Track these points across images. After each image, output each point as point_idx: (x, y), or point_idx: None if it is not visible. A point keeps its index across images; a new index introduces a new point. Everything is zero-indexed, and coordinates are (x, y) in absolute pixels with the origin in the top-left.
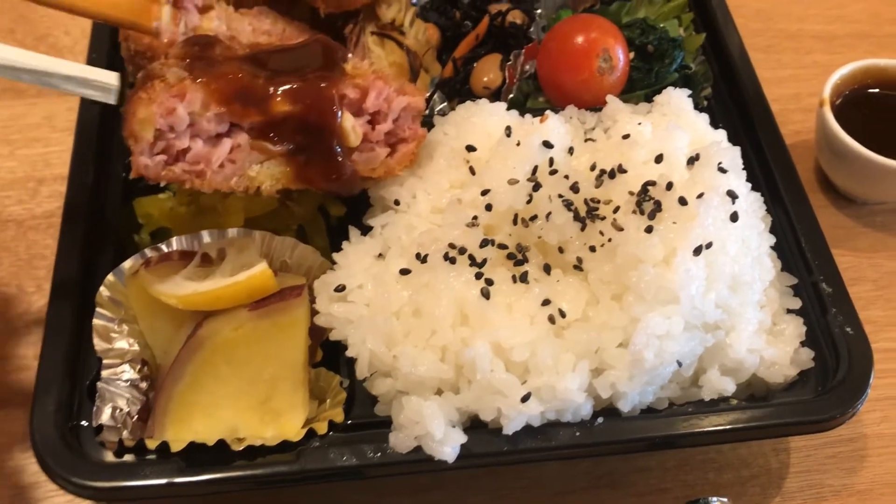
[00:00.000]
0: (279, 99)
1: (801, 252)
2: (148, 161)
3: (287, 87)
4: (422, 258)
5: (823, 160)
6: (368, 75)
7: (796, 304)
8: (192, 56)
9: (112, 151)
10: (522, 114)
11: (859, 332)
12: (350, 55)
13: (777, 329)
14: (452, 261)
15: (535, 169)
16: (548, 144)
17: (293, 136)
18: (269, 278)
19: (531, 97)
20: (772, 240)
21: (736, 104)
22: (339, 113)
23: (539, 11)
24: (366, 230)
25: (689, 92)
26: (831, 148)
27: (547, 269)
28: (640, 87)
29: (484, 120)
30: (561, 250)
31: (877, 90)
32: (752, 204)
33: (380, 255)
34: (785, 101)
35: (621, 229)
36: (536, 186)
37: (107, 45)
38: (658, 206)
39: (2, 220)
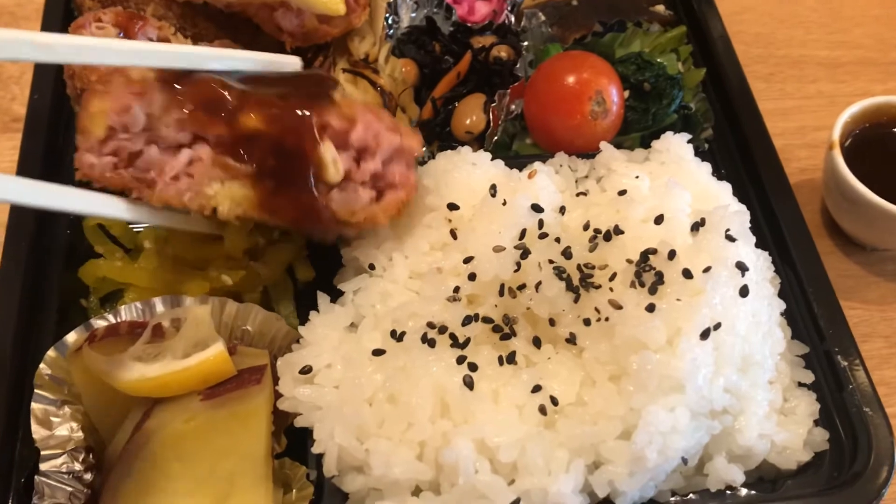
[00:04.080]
0: (252, 114)
1: (812, 317)
2: (94, 160)
3: (263, 103)
4: (397, 336)
5: (832, 204)
6: (357, 105)
7: (809, 377)
8: None
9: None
10: (508, 159)
11: (879, 415)
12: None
13: (788, 406)
14: (431, 343)
15: (522, 233)
16: (537, 208)
17: (263, 158)
18: (225, 361)
19: (517, 138)
20: (782, 306)
21: (739, 146)
22: (319, 140)
23: (526, 44)
24: (336, 295)
25: (689, 136)
26: (841, 193)
27: (537, 342)
28: (637, 129)
29: (467, 174)
30: (552, 322)
31: (890, 129)
32: (760, 268)
33: (352, 324)
34: (789, 135)
35: (620, 307)
36: (525, 253)
37: (51, 81)
38: (660, 279)
39: None
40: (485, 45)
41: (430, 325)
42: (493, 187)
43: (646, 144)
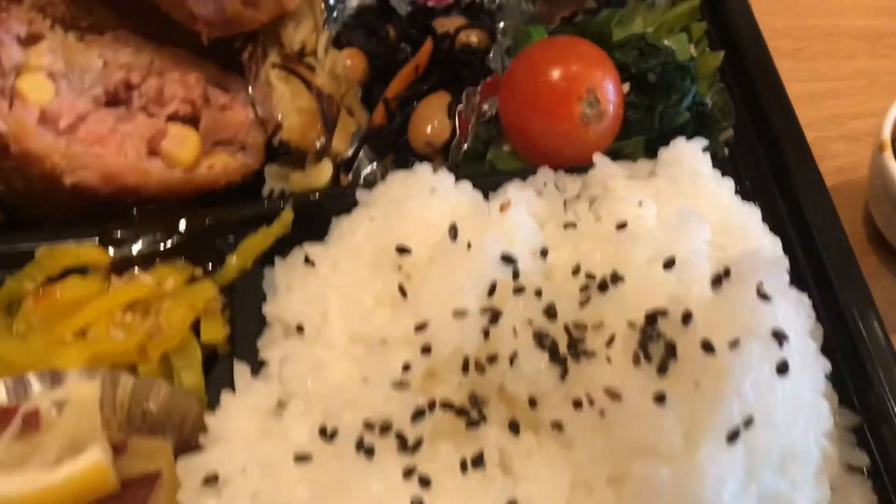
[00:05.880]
0: None
1: (866, 378)
2: None
3: None
4: (328, 434)
5: (880, 216)
6: None
7: (862, 460)
8: None
9: None
10: (478, 179)
11: None
12: None
13: (837, 501)
14: (370, 451)
15: (492, 287)
16: (508, 259)
17: None
18: (101, 474)
19: (493, 144)
20: (826, 367)
21: (766, 150)
22: None
23: (502, 26)
24: (259, 364)
25: (705, 143)
26: (893, 204)
27: (514, 427)
28: (639, 132)
29: (423, 205)
30: (533, 402)
31: None
32: (801, 326)
33: (279, 403)
34: (822, 125)
35: (619, 397)
36: (495, 317)
37: None
38: (671, 352)
39: None
40: (450, 31)
41: (369, 426)
42: (454, 228)
43: (651, 151)
